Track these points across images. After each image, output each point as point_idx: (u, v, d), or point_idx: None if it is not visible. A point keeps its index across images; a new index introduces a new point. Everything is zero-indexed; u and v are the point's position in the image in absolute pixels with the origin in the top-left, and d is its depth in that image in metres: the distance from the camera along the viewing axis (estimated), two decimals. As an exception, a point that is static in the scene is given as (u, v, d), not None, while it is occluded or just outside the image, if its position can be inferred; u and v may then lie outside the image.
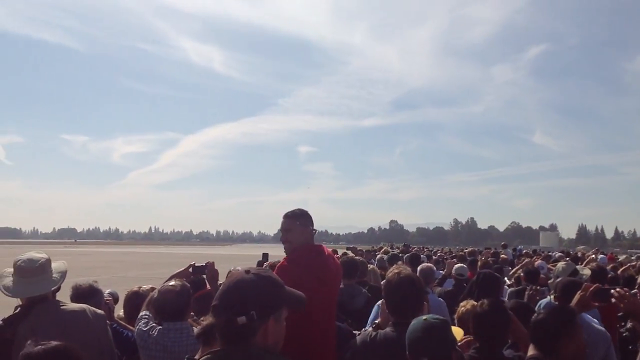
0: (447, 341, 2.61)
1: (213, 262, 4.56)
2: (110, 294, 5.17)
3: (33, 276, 3.36)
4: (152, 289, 5.02)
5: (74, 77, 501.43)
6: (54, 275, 3.49)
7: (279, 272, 3.83)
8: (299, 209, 4.06)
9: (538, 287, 5.28)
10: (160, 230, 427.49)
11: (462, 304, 4.55)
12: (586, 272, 6.70)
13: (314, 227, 4.08)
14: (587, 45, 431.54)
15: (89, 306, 3.62)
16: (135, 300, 4.66)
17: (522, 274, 8.19)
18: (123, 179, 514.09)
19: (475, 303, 4.45)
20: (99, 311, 3.61)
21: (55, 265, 3.57)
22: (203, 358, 1.98)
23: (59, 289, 3.61)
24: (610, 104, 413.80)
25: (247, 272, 1.98)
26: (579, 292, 3.02)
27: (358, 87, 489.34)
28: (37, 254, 3.50)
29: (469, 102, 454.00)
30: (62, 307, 3.42)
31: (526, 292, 5.46)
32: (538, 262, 10.08)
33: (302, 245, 3.96)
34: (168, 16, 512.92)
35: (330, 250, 4.29)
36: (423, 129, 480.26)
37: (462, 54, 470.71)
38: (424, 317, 2.71)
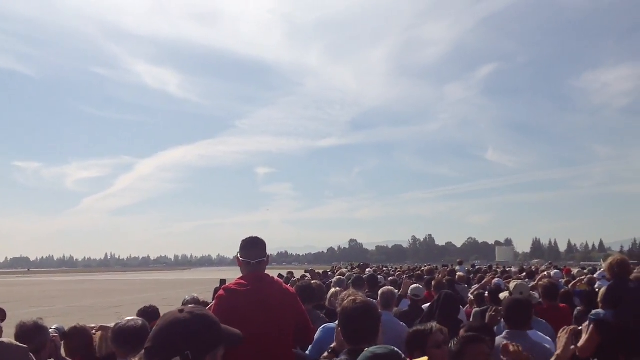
0: None
1: None
2: (57, 329, 4.98)
3: None
4: (101, 328, 4.88)
5: (26, 103, 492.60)
6: None
7: (217, 300, 3.93)
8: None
9: (499, 308, 5.33)
10: (117, 256, 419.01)
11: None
12: (535, 295, 6.86)
13: (267, 253, 4.17)
14: (536, 63, 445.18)
15: (10, 340, 3.49)
16: (74, 336, 4.55)
17: (486, 293, 8.27)
18: (77, 205, 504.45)
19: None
20: (20, 345, 3.45)
21: None
22: None
23: None
24: (560, 120, 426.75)
25: (181, 311, 1.93)
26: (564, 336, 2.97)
27: (315, 107, 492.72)
28: None
29: (424, 120, 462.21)
30: None
31: (487, 313, 5.51)
32: (495, 280, 10.21)
33: (245, 274, 4.07)
34: (121, 40, 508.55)
35: (275, 277, 4.27)
36: (380, 148, 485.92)
37: (416, 74, 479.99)
38: (373, 348, 2.67)
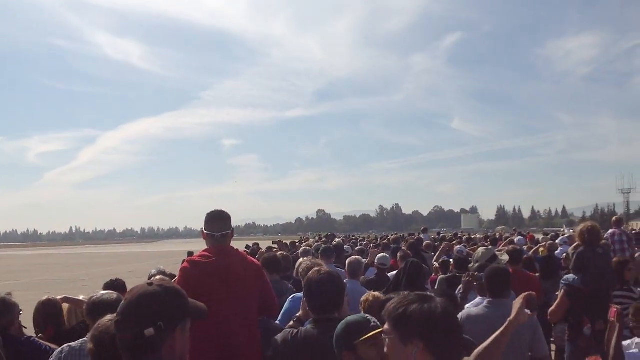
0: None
1: None
2: None
3: None
4: (64, 299, 4.86)
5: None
6: None
7: (181, 272, 3.96)
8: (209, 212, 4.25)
9: (476, 274, 5.34)
10: (82, 230, 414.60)
11: (364, 295, 4.68)
12: (505, 257, 6.94)
13: (232, 226, 4.22)
14: (500, 32, 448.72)
15: None
16: (47, 308, 4.54)
17: (452, 261, 8.42)
18: (40, 178, 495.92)
19: (376, 294, 4.63)
20: None
21: None
22: None
23: None
24: (524, 88, 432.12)
25: (150, 284, 1.96)
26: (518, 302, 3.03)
27: (280, 78, 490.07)
28: None
29: (390, 91, 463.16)
30: None
31: (463, 279, 5.56)
32: (457, 247, 10.37)
33: (209, 247, 4.12)
34: (81, 10, 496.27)
35: (239, 250, 4.31)
36: (347, 118, 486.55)
37: (381, 44, 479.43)
38: (348, 317, 2.75)
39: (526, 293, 3.08)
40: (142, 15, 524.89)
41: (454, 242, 12.90)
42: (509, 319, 2.84)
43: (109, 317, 2.94)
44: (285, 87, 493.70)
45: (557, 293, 5.82)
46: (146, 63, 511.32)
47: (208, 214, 4.21)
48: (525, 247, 11.90)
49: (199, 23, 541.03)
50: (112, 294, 3.63)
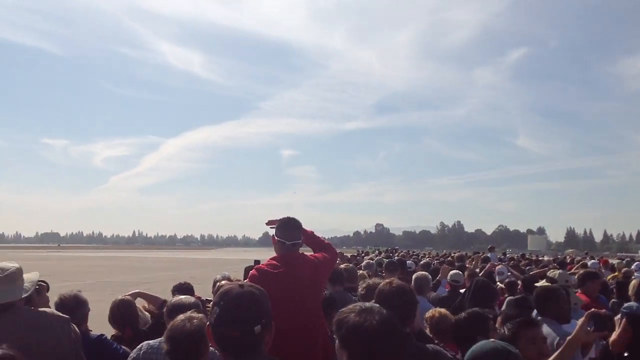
0: None
1: None
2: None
3: (2, 284, 3.41)
4: (137, 294, 4.97)
5: (54, 81, 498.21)
6: (25, 285, 3.53)
7: (249, 280, 3.90)
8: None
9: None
10: (144, 234, 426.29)
11: (430, 312, 4.56)
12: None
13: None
14: (568, 48, 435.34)
15: (53, 310, 3.66)
16: (122, 308, 4.63)
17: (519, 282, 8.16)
18: (105, 183, 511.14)
19: (443, 311, 4.50)
20: (63, 315, 3.57)
21: (27, 276, 3.62)
22: None
23: (30, 298, 3.65)
24: (594, 107, 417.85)
25: (242, 286, 2.09)
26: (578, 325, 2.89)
27: (339, 90, 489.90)
28: (8, 263, 3.55)
29: (451, 105, 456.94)
30: (23, 313, 3.44)
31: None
32: (499, 267, 10.02)
33: (278, 255, 4.10)
34: (146, 20, 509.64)
35: (307, 256, 4.23)
36: (406, 132, 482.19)
37: (442, 57, 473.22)
38: (492, 340, 2.63)
39: (592, 310, 2.95)
40: (204, 25, 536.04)
41: (522, 263, 12.54)
42: (568, 338, 2.75)
43: (181, 317, 3.02)
44: (343, 99, 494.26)
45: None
46: (207, 72, 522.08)
47: (281, 220, 4.18)
48: (608, 278, 11.46)
49: (259, 33, 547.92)
50: (190, 298, 3.84)
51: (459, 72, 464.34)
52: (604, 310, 3.15)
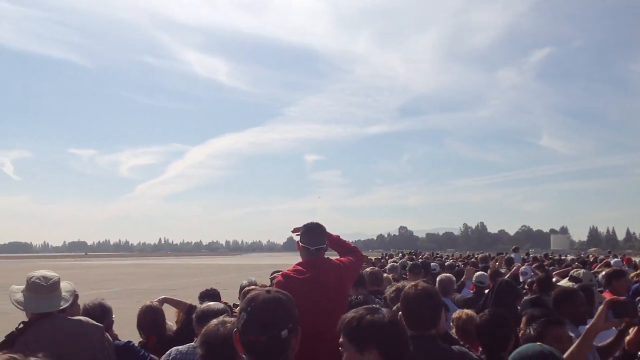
0: None
1: None
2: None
3: (45, 293, 3.48)
4: (164, 300, 5.03)
5: (80, 92, 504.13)
6: (63, 294, 3.60)
7: (275, 286, 3.89)
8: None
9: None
10: (170, 241, 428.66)
11: (457, 313, 4.57)
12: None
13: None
14: (591, 47, 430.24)
15: (87, 318, 3.68)
16: (149, 315, 4.68)
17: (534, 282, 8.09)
18: (131, 191, 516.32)
19: (469, 312, 4.50)
20: (97, 324, 3.63)
21: (63, 285, 3.67)
22: None
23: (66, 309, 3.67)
24: (617, 105, 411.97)
25: (269, 291, 2.11)
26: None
27: (363, 94, 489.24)
28: (49, 272, 3.61)
29: (474, 107, 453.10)
30: (59, 321, 3.48)
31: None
32: (523, 267, 9.95)
33: (303, 260, 4.13)
34: (170, 29, 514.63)
35: (331, 259, 4.23)
36: (430, 134, 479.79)
37: (466, 59, 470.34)
38: (539, 343, 2.66)
39: (611, 297, 2.96)
40: (228, 33, 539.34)
41: (546, 263, 12.43)
42: (587, 327, 2.78)
43: (214, 321, 3.07)
44: (367, 103, 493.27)
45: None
46: (232, 80, 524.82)
47: (305, 226, 4.21)
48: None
49: (283, 39, 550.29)
50: (218, 304, 3.85)
51: (482, 74, 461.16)
52: (622, 297, 3.14)
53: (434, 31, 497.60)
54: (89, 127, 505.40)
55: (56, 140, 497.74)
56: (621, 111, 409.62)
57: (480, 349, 3.79)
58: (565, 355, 2.69)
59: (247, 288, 5.14)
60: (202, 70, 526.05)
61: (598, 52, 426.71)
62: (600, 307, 2.84)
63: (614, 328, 4.37)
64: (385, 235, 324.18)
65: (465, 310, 4.61)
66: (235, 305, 4.95)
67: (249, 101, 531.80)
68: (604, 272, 8.05)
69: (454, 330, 4.34)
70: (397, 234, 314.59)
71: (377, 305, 2.46)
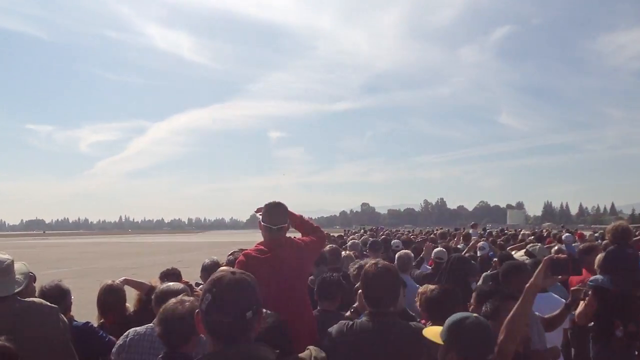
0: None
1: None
2: None
3: None
4: (125, 281, 4.97)
5: (38, 66, 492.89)
6: (17, 277, 3.48)
7: (237, 266, 3.95)
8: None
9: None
10: (131, 219, 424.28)
11: (422, 288, 4.68)
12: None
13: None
14: (550, 25, 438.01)
15: (41, 300, 3.61)
16: (109, 295, 4.65)
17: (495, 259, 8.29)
18: (91, 168, 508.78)
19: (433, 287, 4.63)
20: (51, 305, 3.54)
21: (17, 267, 3.55)
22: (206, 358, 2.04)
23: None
24: (574, 83, 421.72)
25: (234, 273, 2.08)
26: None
27: (327, 71, 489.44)
28: (2, 255, 3.50)
29: (436, 84, 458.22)
30: (15, 304, 3.39)
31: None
32: (481, 243, 10.18)
33: (265, 240, 4.19)
34: (132, 2, 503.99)
35: (293, 239, 4.30)
36: (393, 112, 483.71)
37: (428, 37, 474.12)
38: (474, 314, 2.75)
39: (549, 256, 3.07)
40: (192, 7, 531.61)
41: (502, 239, 12.72)
42: (526, 285, 2.89)
43: (173, 300, 3.09)
44: (331, 80, 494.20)
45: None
46: (195, 55, 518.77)
47: (266, 205, 4.22)
48: (575, 245, 11.72)
49: (247, 15, 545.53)
50: (178, 285, 3.81)
51: (444, 52, 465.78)
52: (563, 255, 3.24)
53: (397, 8, 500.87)
54: (46, 102, 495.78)
55: (12, 115, 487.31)
56: (577, 89, 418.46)
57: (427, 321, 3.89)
58: (509, 315, 2.81)
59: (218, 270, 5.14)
60: (164, 45, 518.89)
61: (556, 30, 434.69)
62: (540, 266, 2.94)
63: (562, 300, 4.58)
64: (348, 212, 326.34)
65: (430, 286, 4.71)
66: (197, 285, 4.96)
67: (211, 77, 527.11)
68: (556, 247, 8.32)
69: (418, 304, 4.44)
70: (359, 210, 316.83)
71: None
